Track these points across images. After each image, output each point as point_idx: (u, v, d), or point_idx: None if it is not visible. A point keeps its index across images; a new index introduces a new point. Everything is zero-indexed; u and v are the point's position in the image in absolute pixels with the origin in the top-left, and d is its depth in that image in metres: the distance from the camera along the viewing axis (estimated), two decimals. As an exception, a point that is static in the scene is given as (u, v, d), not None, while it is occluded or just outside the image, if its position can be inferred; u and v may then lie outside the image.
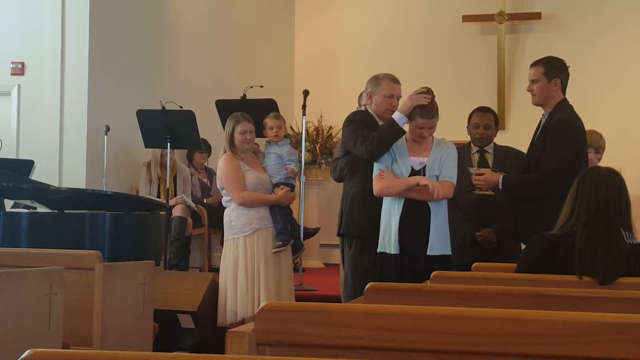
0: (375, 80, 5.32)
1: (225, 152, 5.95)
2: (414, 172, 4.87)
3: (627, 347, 1.77)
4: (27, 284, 3.73)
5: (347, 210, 5.30)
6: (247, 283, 5.80)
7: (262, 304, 1.95)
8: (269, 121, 6.16)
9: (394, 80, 5.31)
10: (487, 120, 5.74)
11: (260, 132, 6.24)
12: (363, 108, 6.07)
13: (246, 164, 5.93)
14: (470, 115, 5.80)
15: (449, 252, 4.89)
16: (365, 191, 5.09)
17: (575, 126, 4.95)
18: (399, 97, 5.22)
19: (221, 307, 5.89)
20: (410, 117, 4.85)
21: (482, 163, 5.61)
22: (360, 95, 6.24)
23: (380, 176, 4.88)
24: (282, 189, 5.94)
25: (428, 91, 4.87)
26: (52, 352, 1.58)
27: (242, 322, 5.62)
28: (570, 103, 5.02)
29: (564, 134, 4.89)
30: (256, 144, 6.18)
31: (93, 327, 4.44)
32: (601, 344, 1.78)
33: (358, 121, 5.22)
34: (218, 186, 6.25)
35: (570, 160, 4.82)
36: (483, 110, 5.82)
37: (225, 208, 6.02)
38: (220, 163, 5.97)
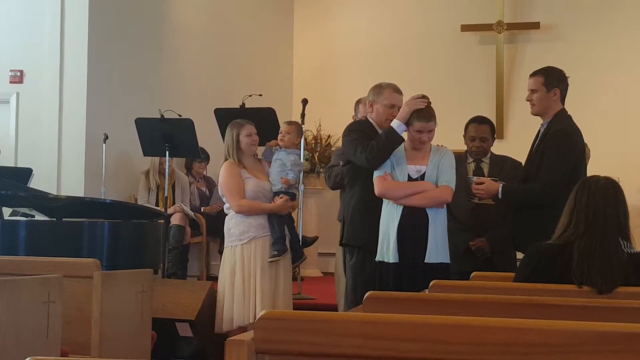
0: (378, 89, 5.31)
1: (226, 159, 5.94)
2: (410, 180, 4.87)
3: (625, 356, 1.77)
4: (25, 292, 3.73)
5: (349, 220, 5.29)
6: (243, 291, 5.79)
7: (262, 313, 1.94)
8: (281, 126, 6.19)
9: (396, 90, 5.30)
10: (483, 133, 5.68)
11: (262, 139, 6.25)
12: (359, 116, 6.07)
13: (248, 171, 5.90)
14: (467, 126, 5.74)
15: (448, 260, 4.88)
16: (366, 200, 5.08)
17: (573, 136, 4.96)
18: (399, 108, 5.21)
19: (219, 314, 5.89)
20: (408, 123, 4.86)
21: (478, 172, 5.58)
22: (357, 103, 6.23)
23: (384, 178, 4.87)
24: (281, 198, 5.91)
25: (424, 97, 4.89)
26: (52, 360, 1.58)
27: (238, 329, 5.62)
28: (569, 113, 5.03)
29: (562, 144, 4.90)
30: None
31: (91, 335, 4.44)
32: (600, 353, 1.78)
33: (358, 130, 5.22)
34: (219, 194, 6.24)
35: (568, 170, 4.84)
36: (479, 121, 5.74)
37: (226, 216, 6.01)
38: (221, 170, 5.95)
